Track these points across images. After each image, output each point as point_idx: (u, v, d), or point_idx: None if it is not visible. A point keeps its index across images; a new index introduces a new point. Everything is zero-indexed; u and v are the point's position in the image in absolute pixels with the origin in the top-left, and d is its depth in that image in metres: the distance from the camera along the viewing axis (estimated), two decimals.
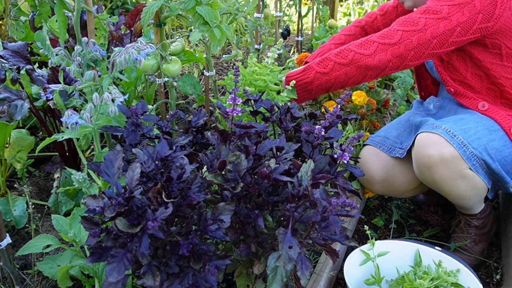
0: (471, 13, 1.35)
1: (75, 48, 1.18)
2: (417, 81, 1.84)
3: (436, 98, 1.73)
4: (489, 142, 1.37)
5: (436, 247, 1.36)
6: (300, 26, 3.37)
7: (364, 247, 1.38)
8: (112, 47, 1.81)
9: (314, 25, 4.03)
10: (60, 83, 1.49)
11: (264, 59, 1.63)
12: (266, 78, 1.51)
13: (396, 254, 1.38)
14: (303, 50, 3.61)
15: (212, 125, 1.38)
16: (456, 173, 1.35)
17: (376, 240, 1.40)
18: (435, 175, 1.38)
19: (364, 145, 1.77)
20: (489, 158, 1.35)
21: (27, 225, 1.55)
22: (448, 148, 1.34)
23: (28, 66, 1.58)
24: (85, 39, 1.24)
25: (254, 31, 2.54)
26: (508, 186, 1.42)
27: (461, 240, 1.57)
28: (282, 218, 1.05)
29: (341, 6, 5.40)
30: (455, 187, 1.39)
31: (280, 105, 1.36)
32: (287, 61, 2.75)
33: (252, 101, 1.33)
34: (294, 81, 1.46)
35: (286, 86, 1.47)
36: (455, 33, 1.37)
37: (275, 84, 1.55)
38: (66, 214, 1.54)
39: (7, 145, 1.69)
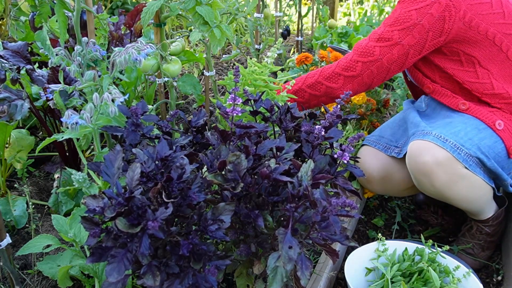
0: (421, 33, 1.40)
1: (75, 48, 1.18)
2: (409, 88, 1.85)
3: (426, 97, 1.74)
4: (481, 140, 1.37)
5: (439, 249, 1.36)
6: (300, 26, 3.37)
7: (365, 247, 1.38)
8: (112, 47, 1.81)
9: (314, 25, 4.03)
10: (60, 83, 1.49)
11: (264, 59, 1.63)
12: (266, 78, 1.51)
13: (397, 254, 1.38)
14: (303, 50, 3.61)
15: (212, 125, 1.37)
16: (454, 175, 1.34)
17: (376, 240, 1.40)
18: (435, 182, 1.36)
19: (361, 145, 1.78)
20: (484, 156, 1.35)
21: (27, 225, 1.55)
22: (441, 152, 1.33)
23: (28, 66, 1.58)
24: (85, 39, 1.24)
25: (254, 31, 2.55)
26: (506, 184, 1.42)
27: (468, 244, 1.56)
28: (282, 218, 1.05)
29: (341, 6, 5.40)
30: (456, 190, 1.37)
31: (280, 105, 1.36)
32: (287, 61, 2.75)
33: (252, 101, 1.33)
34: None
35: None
36: (410, 55, 1.45)
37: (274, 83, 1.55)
38: (66, 214, 1.54)
39: (7, 145, 1.69)
